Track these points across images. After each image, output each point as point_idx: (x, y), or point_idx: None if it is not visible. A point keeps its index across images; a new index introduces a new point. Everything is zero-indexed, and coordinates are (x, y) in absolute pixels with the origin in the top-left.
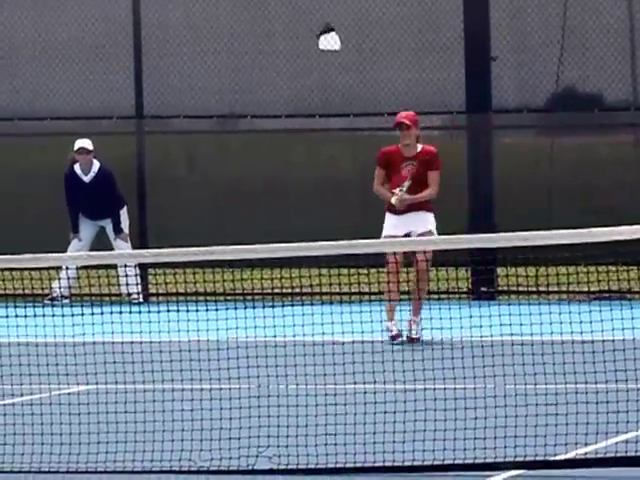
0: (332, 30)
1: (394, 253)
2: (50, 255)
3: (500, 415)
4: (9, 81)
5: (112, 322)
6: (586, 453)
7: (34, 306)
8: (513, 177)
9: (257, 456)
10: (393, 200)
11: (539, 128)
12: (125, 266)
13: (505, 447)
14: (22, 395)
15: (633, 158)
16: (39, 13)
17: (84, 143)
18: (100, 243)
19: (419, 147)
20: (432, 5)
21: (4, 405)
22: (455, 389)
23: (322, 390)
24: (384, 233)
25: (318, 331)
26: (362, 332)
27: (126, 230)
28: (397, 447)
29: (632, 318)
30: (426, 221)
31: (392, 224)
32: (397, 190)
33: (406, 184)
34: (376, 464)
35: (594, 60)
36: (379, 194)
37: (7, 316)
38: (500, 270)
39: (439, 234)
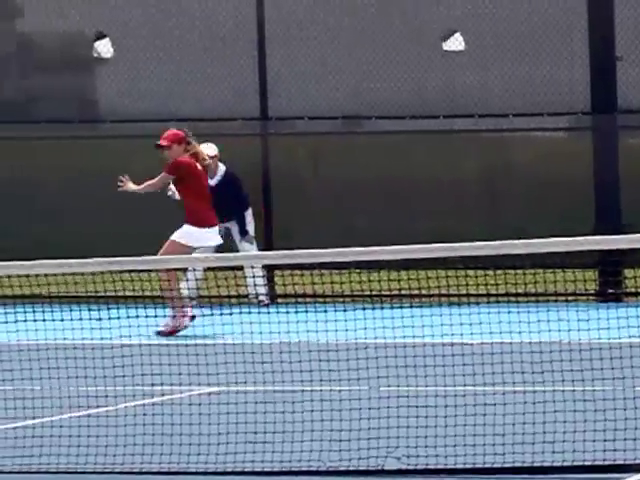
0: (455, 32)
1: None
2: (178, 257)
3: (630, 417)
4: (135, 84)
5: (242, 322)
6: None
7: (163, 307)
8: (639, 178)
9: (386, 456)
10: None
11: None
12: (252, 267)
13: (635, 449)
14: (153, 397)
15: None
16: (163, 16)
17: (207, 149)
18: (226, 245)
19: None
20: (557, 5)
21: (134, 406)
22: (584, 391)
23: (452, 392)
24: None
25: (446, 332)
26: (490, 333)
27: (252, 232)
28: (526, 448)
29: None
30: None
31: None
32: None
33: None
34: (505, 465)
35: None
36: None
37: (137, 316)
38: (627, 272)
39: (567, 235)
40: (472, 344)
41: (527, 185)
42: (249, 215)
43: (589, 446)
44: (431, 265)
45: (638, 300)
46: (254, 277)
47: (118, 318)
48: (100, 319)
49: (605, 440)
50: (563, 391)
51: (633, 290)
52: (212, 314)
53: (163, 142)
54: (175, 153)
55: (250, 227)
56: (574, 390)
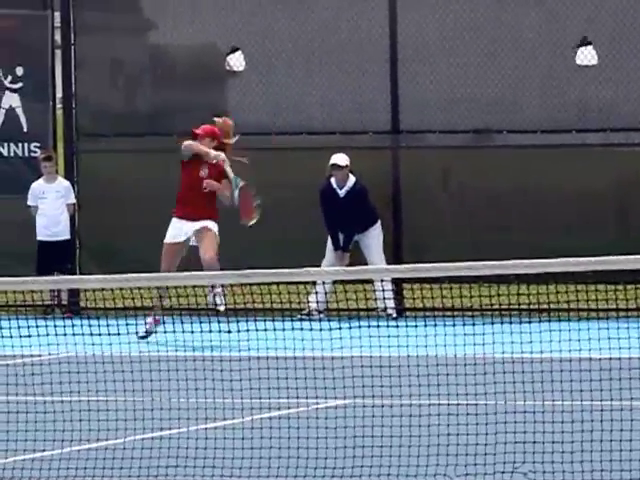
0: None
1: None
2: (308, 270)
3: None
4: (266, 97)
5: (370, 336)
6: None
7: (291, 320)
8: None
9: (512, 472)
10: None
11: None
12: (381, 281)
13: None
14: (279, 409)
15: None
16: (295, 29)
17: (337, 159)
18: (354, 258)
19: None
20: None
21: (261, 419)
22: None
23: (578, 407)
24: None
25: (574, 347)
26: (619, 348)
27: (381, 245)
28: None
29: None
30: (206, 223)
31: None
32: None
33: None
34: None
35: None
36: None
37: (265, 329)
38: None
39: None
40: (600, 359)
41: None
42: (378, 227)
43: None
44: (561, 279)
45: None
46: (383, 290)
47: (247, 331)
48: (230, 332)
49: None
50: None
51: None
52: (340, 327)
53: (198, 131)
54: (206, 144)
55: (379, 240)
56: None
